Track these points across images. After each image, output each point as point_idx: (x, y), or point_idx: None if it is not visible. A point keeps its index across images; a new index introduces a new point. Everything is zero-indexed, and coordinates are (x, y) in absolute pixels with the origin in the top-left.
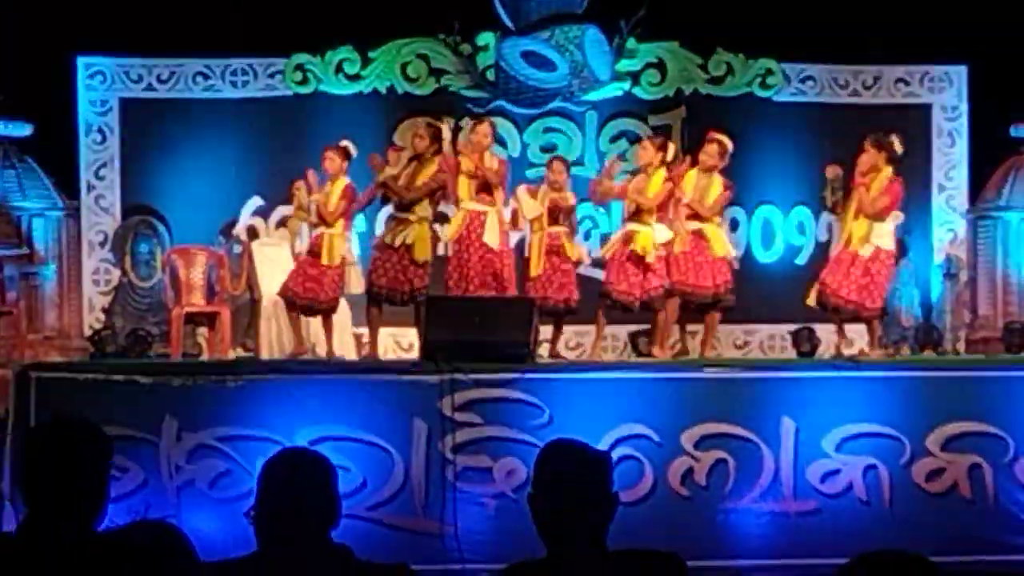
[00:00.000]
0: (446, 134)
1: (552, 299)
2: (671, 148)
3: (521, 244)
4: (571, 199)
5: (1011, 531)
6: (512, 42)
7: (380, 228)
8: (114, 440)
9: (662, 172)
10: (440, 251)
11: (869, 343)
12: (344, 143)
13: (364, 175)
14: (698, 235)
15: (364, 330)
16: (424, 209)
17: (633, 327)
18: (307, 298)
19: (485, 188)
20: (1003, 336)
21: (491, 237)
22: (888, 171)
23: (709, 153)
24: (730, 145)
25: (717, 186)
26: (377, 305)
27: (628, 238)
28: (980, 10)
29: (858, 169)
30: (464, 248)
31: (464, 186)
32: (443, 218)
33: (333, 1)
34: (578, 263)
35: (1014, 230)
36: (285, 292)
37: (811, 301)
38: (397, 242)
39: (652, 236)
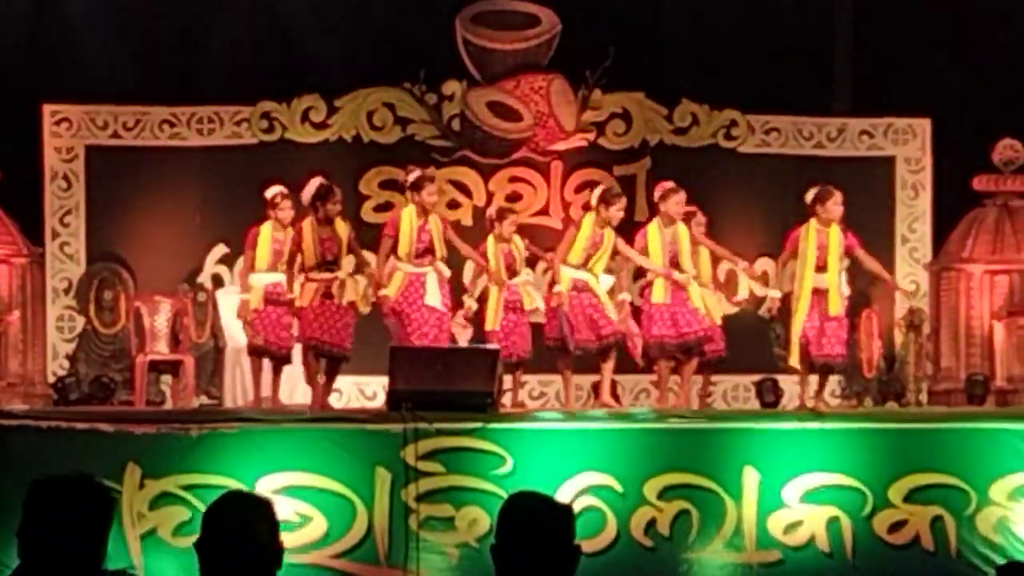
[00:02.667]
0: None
1: (508, 353)
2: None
3: (484, 295)
4: (523, 248)
5: None
6: (478, 92)
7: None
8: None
9: (588, 218)
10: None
11: (816, 393)
12: (279, 188)
13: None
14: (677, 286)
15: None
16: (349, 264)
17: (598, 377)
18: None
19: (428, 250)
20: (965, 388)
21: (433, 299)
22: (836, 225)
23: (678, 203)
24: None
25: (686, 236)
26: (315, 357)
27: (583, 287)
28: (943, 63)
29: (819, 224)
30: (406, 310)
31: (404, 247)
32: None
33: (299, 49)
34: (535, 311)
35: (976, 282)
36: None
37: (794, 362)
38: (345, 301)
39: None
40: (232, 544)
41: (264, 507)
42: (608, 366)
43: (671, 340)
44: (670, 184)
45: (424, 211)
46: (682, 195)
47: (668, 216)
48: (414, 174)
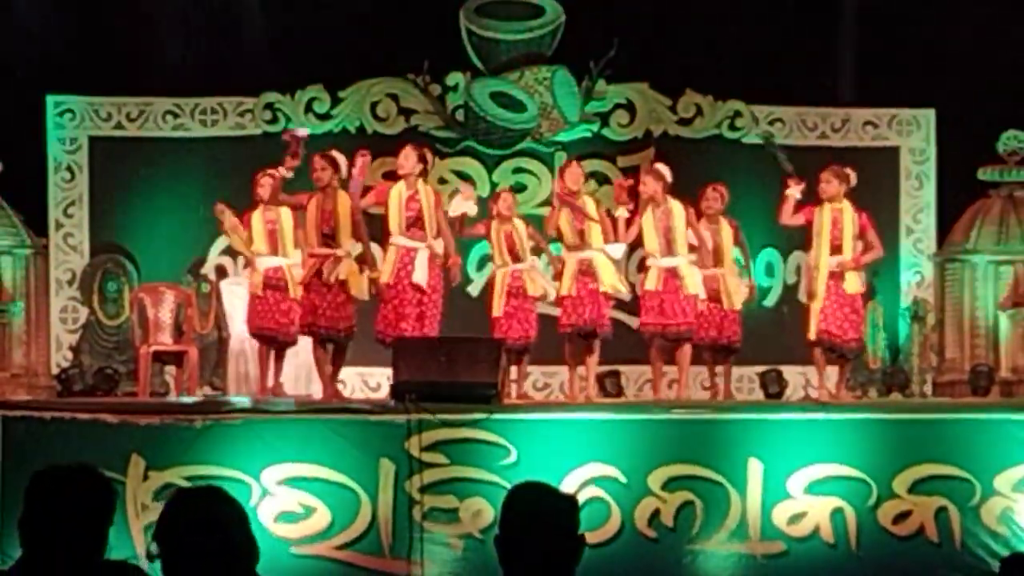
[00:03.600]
0: (342, 162)
1: (511, 338)
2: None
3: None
4: (526, 235)
5: (977, 575)
6: (482, 82)
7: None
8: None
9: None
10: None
11: (837, 384)
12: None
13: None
14: (671, 273)
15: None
16: (350, 244)
17: (602, 368)
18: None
19: (417, 223)
20: (970, 379)
21: (420, 275)
22: (848, 204)
23: (646, 183)
24: (666, 171)
25: (679, 213)
26: (322, 345)
27: (585, 269)
28: (948, 53)
29: (828, 202)
30: (395, 287)
31: (395, 220)
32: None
33: (303, 40)
34: (542, 298)
35: (981, 273)
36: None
37: (812, 335)
38: (332, 279)
39: (608, 262)
40: (191, 538)
41: (219, 499)
42: (592, 357)
43: (653, 328)
44: (647, 166)
45: (411, 183)
46: (650, 176)
47: (647, 196)
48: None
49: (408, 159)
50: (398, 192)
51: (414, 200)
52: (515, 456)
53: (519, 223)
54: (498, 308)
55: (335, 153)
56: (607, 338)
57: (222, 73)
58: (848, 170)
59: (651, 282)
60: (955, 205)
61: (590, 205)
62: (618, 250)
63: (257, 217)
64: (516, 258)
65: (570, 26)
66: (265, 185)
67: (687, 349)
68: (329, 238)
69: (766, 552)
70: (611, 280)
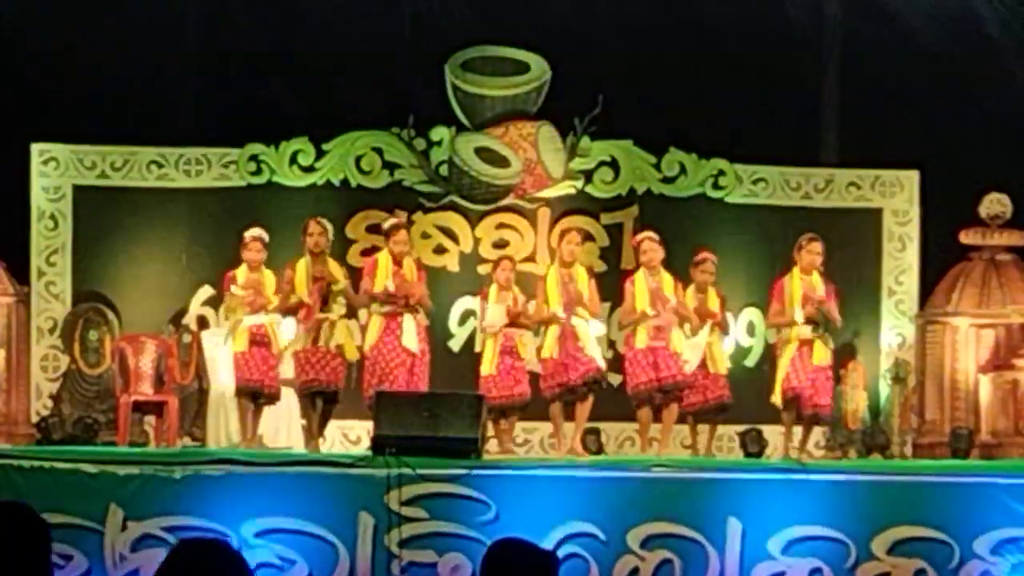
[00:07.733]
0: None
1: (502, 396)
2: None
3: (471, 341)
4: (521, 300)
5: None
6: (466, 138)
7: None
8: (53, 526)
9: (551, 269)
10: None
11: (802, 444)
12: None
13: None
14: (659, 330)
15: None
16: (341, 307)
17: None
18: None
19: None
20: (950, 441)
21: (410, 340)
22: (818, 275)
23: (653, 250)
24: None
25: (669, 283)
26: (314, 401)
27: (570, 333)
28: (931, 116)
29: (814, 270)
30: (383, 353)
31: (380, 289)
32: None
33: (288, 92)
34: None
35: (962, 336)
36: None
37: (777, 400)
38: (332, 344)
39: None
40: None
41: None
42: (583, 409)
43: (647, 384)
44: (643, 234)
45: (398, 258)
46: (653, 244)
47: (649, 265)
48: (389, 222)
49: (402, 237)
50: (385, 264)
51: (398, 276)
52: (495, 512)
53: (518, 291)
54: (489, 366)
55: (326, 222)
56: (597, 388)
57: (207, 124)
58: None
59: (641, 340)
60: (937, 267)
61: (580, 272)
62: (599, 328)
63: (241, 278)
64: (511, 323)
65: (555, 83)
66: (253, 251)
67: (674, 408)
68: (322, 301)
69: None
70: (591, 348)
